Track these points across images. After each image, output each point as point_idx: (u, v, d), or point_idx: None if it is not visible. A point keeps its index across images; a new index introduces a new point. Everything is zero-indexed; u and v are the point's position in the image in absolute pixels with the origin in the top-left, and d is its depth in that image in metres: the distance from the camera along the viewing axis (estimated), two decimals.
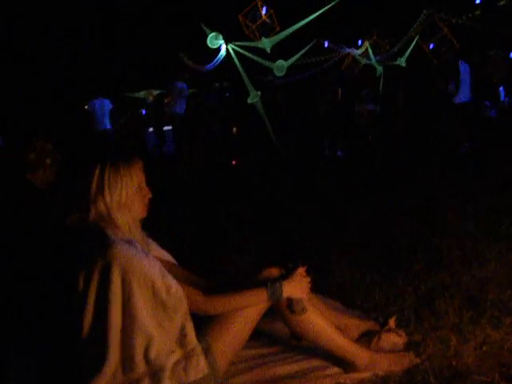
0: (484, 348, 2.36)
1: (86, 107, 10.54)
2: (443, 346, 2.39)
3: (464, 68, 9.34)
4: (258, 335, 2.38)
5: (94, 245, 1.86)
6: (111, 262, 1.82)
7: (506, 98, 13.80)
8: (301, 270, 2.20)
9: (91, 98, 10.50)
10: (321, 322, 2.22)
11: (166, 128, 12.57)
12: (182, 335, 1.96)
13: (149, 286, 1.87)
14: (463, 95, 9.34)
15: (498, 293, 2.83)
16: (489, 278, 3.03)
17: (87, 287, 1.84)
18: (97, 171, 1.94)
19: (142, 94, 10.48)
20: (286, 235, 4.35)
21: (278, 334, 2.51)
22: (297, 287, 2.16)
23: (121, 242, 1.86)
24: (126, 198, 1.96)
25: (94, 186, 1.93)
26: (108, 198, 1.93)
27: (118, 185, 1.95)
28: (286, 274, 2.21)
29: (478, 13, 16.90)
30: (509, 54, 13.69)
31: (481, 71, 13.08)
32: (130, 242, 1.89)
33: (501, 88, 13.91)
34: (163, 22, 15.64)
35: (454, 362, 2.25)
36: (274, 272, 2.26)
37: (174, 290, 1.92)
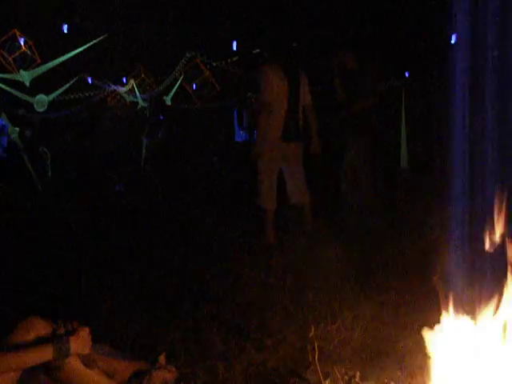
0: (250, 371, 2.49)
1: None
2: (212, 375, 2.46)
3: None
4: None
5: None
6: None
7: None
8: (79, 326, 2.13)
9: None
10: (87, 370, 2.15)
11: None
12: None
13: None
14: (236, 136, 11.73)
15: (259, 317, 3.02)
16: (251, 303, 3.23)
17: None
18: None
19: None
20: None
21: None
22: (84, 343, 2.11)
23: None
24: None
25: None
26: None
27: None
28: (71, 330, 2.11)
29: (235, 58, 18.43)
30: None
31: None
32: None
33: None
34: None
35: None
36: (41, 326, 2.12)
37: None
